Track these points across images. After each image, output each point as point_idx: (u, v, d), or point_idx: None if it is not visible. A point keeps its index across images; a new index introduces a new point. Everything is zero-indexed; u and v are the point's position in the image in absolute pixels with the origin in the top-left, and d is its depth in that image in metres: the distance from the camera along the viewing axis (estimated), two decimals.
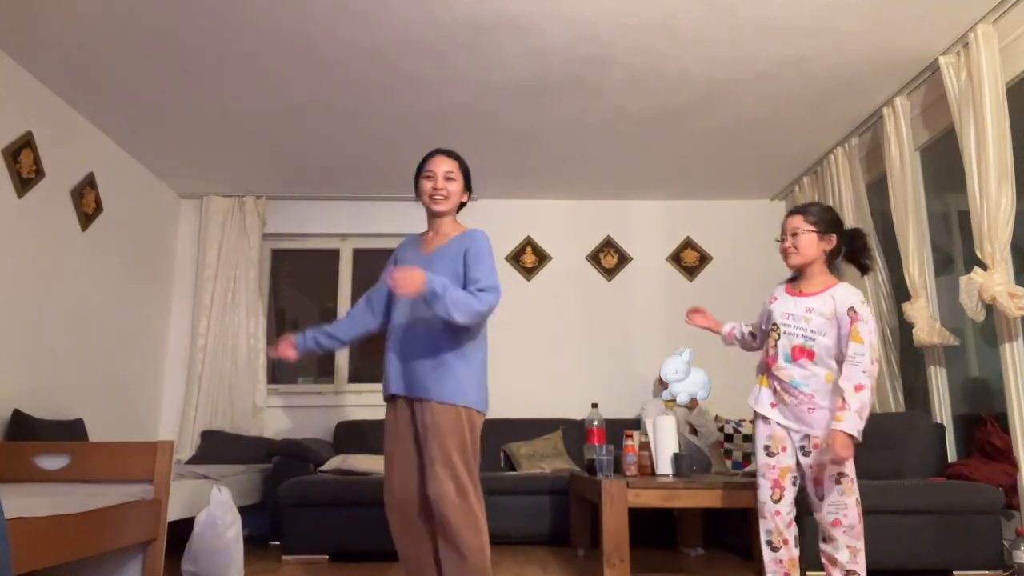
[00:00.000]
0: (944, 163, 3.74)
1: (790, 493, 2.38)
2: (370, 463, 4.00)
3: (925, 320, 3.55)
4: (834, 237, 2.41)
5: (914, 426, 3.43)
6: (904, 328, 3.80)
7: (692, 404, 4.44)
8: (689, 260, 5.34)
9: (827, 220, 2.42)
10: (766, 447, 2.42)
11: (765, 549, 2.40)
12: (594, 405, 4.00)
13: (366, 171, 4.88)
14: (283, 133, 4.31)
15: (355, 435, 4.71)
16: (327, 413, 5.01)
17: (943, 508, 3.02)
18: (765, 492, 2.40)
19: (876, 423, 3.66)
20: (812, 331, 2.34)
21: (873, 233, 4.11)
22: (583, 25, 3.26)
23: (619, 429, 4.16)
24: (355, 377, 5.23)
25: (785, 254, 2.43)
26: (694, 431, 4.32)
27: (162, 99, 3.89)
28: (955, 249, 3.73)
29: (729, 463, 4.50)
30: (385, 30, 3.29)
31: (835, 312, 2.32)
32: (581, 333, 5.21)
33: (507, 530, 4.09)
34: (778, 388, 2.41)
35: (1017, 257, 3.18)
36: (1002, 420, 3.15)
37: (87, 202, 4.12)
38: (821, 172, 4.70)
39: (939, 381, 3.70)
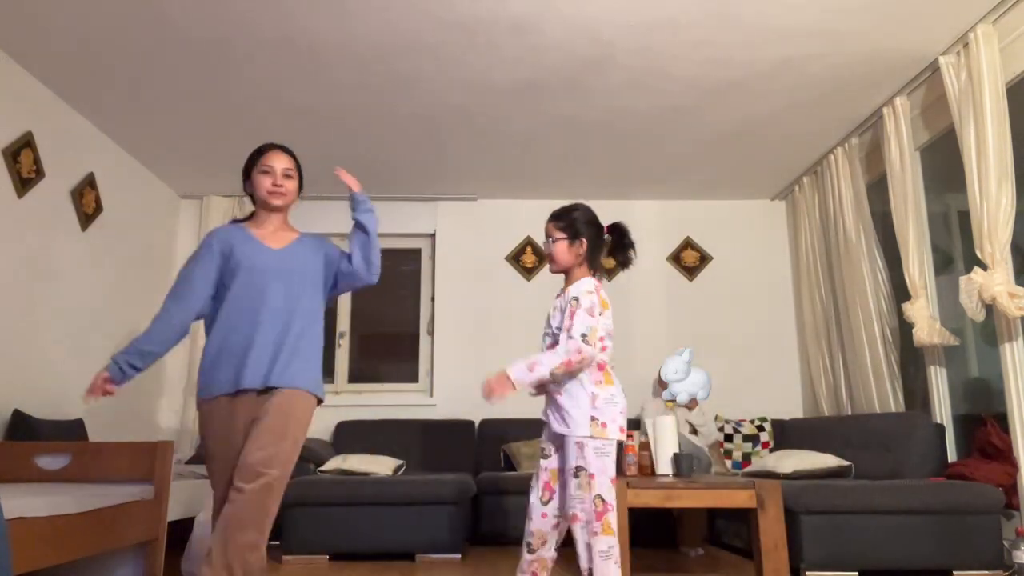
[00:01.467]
0: (944, 163, 3.74)
1: (558, 496, 2.34)
2: (370, 463, 4.00)
3: (925, 320, 3.55)
4: (584, 241, 2.39)
5: (914, 426, 3.44)
6: (904, 328, 3.80)
7: (692, 404, 4.44)
8: (689, 260, 5.34)
9: (579, 223, 2.40)
10: (542, 449, 2.42)
11: (523, 550, 2.36)
12: None
13: (366, 171, 4.88)
14: (283, 133, 4.31)
15: (355, 435, 4.71)
16: (327, 413, 5.01)
17: (943, 508, 3.02)
18: (535, 494, 2.37)
19: (876, 423, 3.68)
20: (555, 328, 2.37)
21: (873, 233, 4.11)
22: (583, 25, 3.26)
23: None
24: (355, 377, 5.24)
25: (551, 259, 2.43)
26: (694, 431, 4.32)
27: (162, 99, 3.89)
28: (955, 249, 3.73)
29: (729, 463, 4.50)
30: (385, 31, 3.29)
31: (567, 305, 2.32)
32: None
33: (507, 530, 4.09)
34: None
35: (1017, 257, 3.18)
36: (1002, 420, 3.15)
37: (87, 202, 4.11)
38: (821, 172, 4.70)
39: (939, 381, 3.70)
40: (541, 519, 2.34)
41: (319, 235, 2.52)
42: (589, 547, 2.19)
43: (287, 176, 2.36)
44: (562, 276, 2.49)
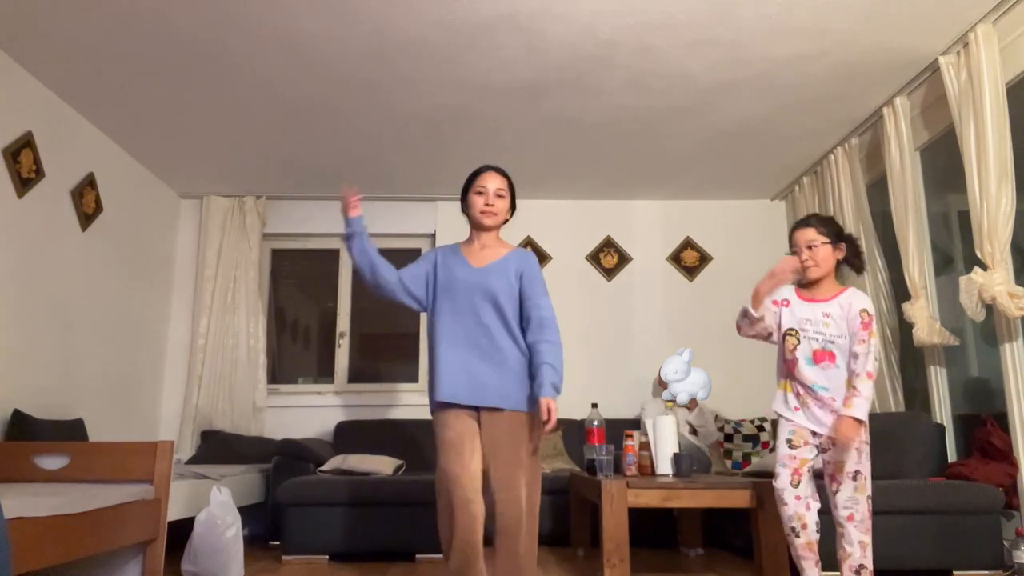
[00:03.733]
0: (944, 163, 3.74)
1: (808, 481, 2.45)
2: (370, 463, 4.00)
3: (925, 320, 3.55)
4: (843, 246, 2.53)
5: (914, 426, 3.43)
6: (904, 328, 3.80)
7: (692, 404, 4.44)
8: (689, 260, 5.34)
9: (836, 231, 2.53)
10: (788, 440, 2.48)
11: (791, 537, 2.45)
12: (594, 405, 3.99)
13: (366, 171, 4.88)
14: (283, 133, 4.31)
15: (355, 435, 4.71)
16: (327, 413, 5.02)
17: (943, 508, 3.02)
18: (784, 479, 2.45)
19: (876, 423, 3.68)
20: (832, 335, 2.46)
21: (873, 233, 4.11)
22: (583, 25, 3.26)
23: (619, 429, 4.16)
24: (355, 377, 5.24)
25: (803, 268, 2.50)
26: (694, 431, 4.31)
27: (162, 99, 3.89)
28: (955, 249, 3.73)
29: (729, 463, 4.50)
30: (385, 30, 3.29)
31: (848, 315, 2.45)
32: (581, 333, 5.20)
33: None
34: (801, 392, 2.49)
35: (1017, 257, 3.18)
36: (1002, 420, 3.15)
37: (87, 202, 4.12)
38: (821, 172, 4.70)
39: (939, 381, 3.70)
40: (796, 502, 2.43)
41: (526, 254, 2.54)
42: (863, 544, 2.38)
43: (499, 196, 2.48)
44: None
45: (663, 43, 3.40)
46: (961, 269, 3.60)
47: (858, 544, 2.37)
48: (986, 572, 2.99)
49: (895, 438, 3.48)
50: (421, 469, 4.50)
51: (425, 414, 5.03)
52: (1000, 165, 3.05)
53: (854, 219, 4.22)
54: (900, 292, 3.85)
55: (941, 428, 3.51)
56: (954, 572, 3.01)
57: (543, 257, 5.34)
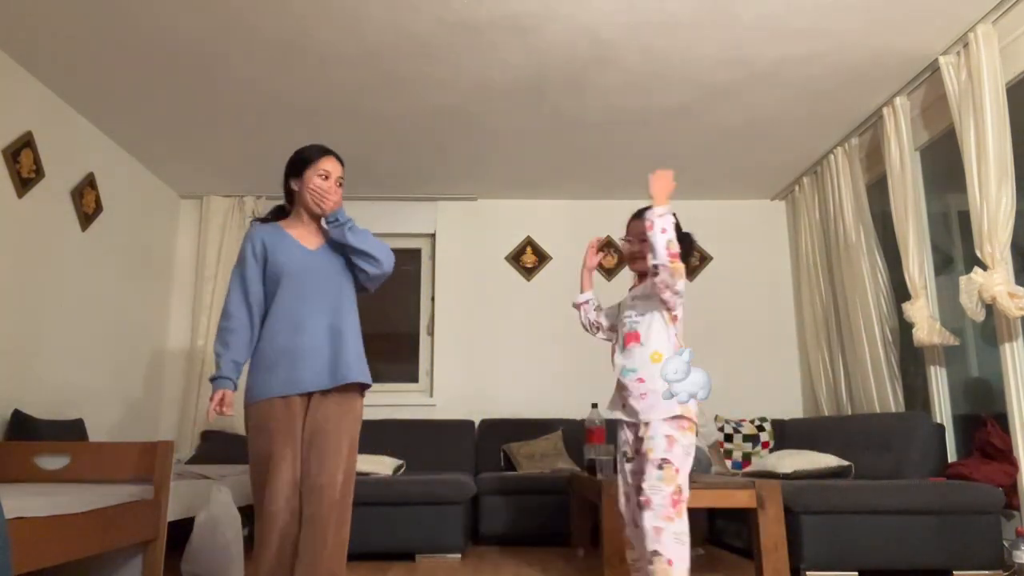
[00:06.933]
0: (944, 163, 3.74)
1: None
2: (370, 463, 4.00)
3: (925, 320, 3.55)
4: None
5: (914, 426, 3.44)
6: (904, 328, 3.80)
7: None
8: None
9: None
10: (624, 452, 2.45)
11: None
12: (594, 405, 3.99)
13: (366, 171, 4.88)
14: (283, 133, 4.31)
15: None
16: None
17: (943, 508, 3.02)
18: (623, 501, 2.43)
19: (876, 423, 3.68)
20: (636, 316, 2.47)
21: (873, 233, 4.11)
22: (583, 25, 3.26)
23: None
24: None
25: (633, 257, 2.53)
26: None
27: (162, 99, 3.89)
28: (955, 249, 3.73)
29: (729, 463, 4.50)
30: (385, 30, 3.29)
31: (649, 290, 2.44)
32: (581, 333, 5.19)
33: (507, 530, 4.09)
34: (618, 385, 2.45)
35: (1017, 257, 3.18)
36: (1002, 420, 3.15)
37: (87, 202, 4.11)
38: (821, 172, 4.70)
39: (939, 381, 3.70)
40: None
41: None
42: (657, 529, 2.31)
43: (340, 184, 2.42)
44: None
45: (663, 43, 3.40)
46: (961, 269, 3.60)
47: (651, 529, 2.29)
48: (986, 572, 2.99)
49: (895, 438, 3.48)
50: (421, 469, 4.49)
51: (425, 414, 5.03)
52: (1000, 165, 3.05)
53: (854, 219, 4.22)
54: (900, 292, 3.85)
55: (941, 428, 3.51)
56: (954, 572, 3.01)
57: (543, 257, 5.34)
